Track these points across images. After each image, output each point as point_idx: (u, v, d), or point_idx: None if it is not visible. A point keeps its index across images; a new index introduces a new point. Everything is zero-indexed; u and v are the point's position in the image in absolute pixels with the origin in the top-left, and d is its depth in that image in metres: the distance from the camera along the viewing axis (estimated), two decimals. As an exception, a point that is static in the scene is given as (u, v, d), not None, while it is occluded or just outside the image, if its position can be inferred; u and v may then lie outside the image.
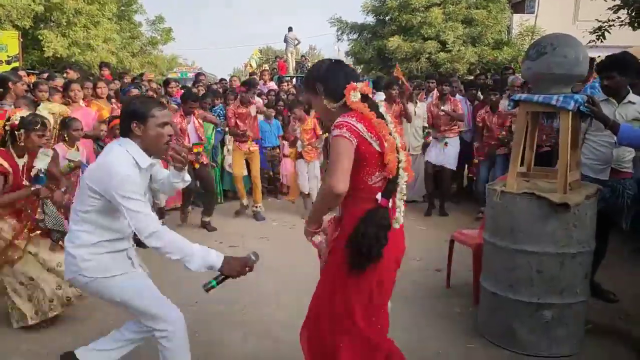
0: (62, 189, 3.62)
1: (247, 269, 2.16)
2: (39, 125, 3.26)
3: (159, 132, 2.22)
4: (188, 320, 3.38)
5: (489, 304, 3.11)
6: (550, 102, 2.89)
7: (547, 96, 2.90)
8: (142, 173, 2.24)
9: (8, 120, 3.28)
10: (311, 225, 2.13)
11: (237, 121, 6.13)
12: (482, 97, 6.78)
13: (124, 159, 2.17)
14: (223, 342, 3.11)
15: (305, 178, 6.46)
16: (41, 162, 3.47)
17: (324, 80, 2.06)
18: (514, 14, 16.32)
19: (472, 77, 10.32)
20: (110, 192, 2.11)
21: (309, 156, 6.36)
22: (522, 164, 3.22)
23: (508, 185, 3.02)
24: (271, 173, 7.48)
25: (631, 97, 3.40)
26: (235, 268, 2.13)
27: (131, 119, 2.22)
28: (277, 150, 7.19)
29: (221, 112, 6.85)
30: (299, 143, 6.37)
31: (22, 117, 3.29)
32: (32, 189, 3.24)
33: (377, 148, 1.97)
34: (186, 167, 2.48)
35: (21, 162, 3.29)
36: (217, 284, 2.14)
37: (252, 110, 6.24)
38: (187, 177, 2.54)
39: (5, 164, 3.16)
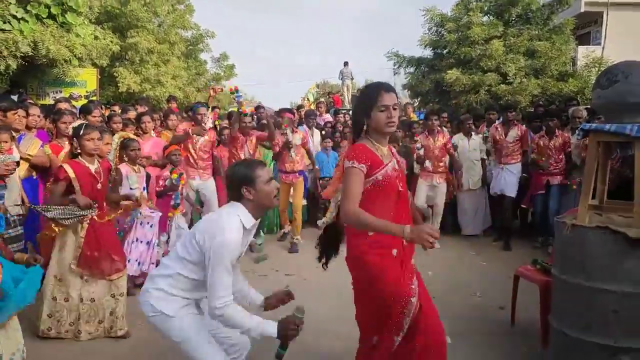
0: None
1: (298, 327, 2.26)
2: (85, 130, 3.39)
3: (267, 190, 2.31)
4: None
5: (560, 345, 2.91)
6: (624, 132, 2.75)
7: (621, 125, 2.77)
8: (245, 233, 2.31)
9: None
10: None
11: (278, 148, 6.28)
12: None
13: (234, 224, 2.25)
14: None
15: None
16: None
17: None
18: (579, 46, 15.83)
19: (532, 109, 9.97)
20: (209, 249, 2.19)
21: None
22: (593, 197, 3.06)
23: (579, 218, 2.87)
24: (327, 204, 7.49)
25: None
26: (288, 333, 2.26)
27: (240, 185, 2.30)
28: (334, 181, 7.24)
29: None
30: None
31: (73, 128, 3.50)
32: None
33: None
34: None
35: (93, 167, 3.47)
36: (285, 348, 2.31)
37: (297, 139, 6.32)
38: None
39: (70, 171, 3.35)
